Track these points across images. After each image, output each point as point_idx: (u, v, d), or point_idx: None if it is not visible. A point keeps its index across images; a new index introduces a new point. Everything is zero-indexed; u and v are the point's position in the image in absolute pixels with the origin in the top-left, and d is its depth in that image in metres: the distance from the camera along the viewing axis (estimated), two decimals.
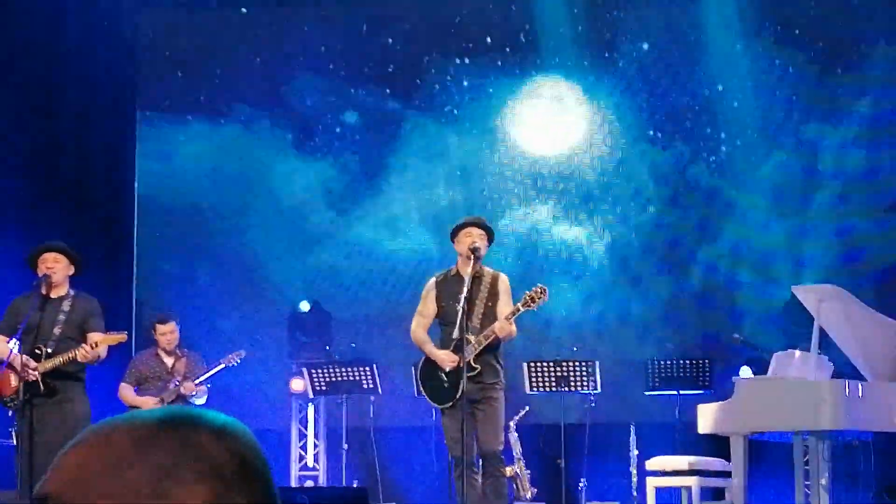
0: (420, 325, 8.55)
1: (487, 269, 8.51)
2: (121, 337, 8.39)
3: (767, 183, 12.69)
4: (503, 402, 8.40)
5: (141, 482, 1.20)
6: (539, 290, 8.20)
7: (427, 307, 8.53)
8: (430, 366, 8.41)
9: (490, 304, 8.31)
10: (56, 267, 8.34)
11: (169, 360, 10.08)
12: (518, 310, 8.19)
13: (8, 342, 8.19)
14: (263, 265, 13.11)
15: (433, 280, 8.65)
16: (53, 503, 1.23)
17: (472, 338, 8.19)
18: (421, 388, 8.65)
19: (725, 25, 12.75)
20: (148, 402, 9.81)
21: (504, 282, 8.43)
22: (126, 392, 10.02)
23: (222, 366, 10.01)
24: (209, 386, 10.10)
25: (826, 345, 8.64)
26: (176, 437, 1.23)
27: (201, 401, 9.97)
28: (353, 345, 12.29)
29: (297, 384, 11.99)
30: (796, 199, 12.66)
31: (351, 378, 11.41)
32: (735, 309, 12.46)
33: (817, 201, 12.60)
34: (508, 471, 9.61)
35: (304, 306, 12.78)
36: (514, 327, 8.28)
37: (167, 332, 10.10)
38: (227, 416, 1.29)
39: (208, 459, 1.22)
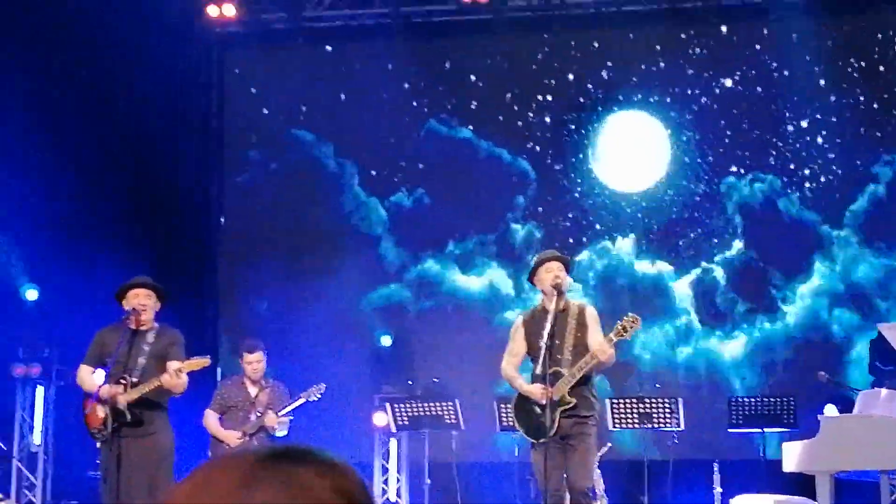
0: (510, 364, 8.52)
1: (573, 301, 8.50)
2: (204, 361, 8.45)
3: (858, 217, 12.57)
4: (595, 438, 8.36)
5: None
6: (631, 319, 8.16)
7: (516, 346, 8.51)
8: (524, 401, 8.39)
9: (580, 334, 8.28)
10: (147, 303, 8.45)
11: (253, 390, 10.03)
12: (611, 340, 8.16)
13: (93, 373, 8.32)
14: (347, 299, 13.22)
15: (520, 319, 8.64)
16: None
17: (564, 371, 8.17)
18: (516, 423, 8.62)
19: (808, 62, 12.68)
20: (231, 437, 9.84)
21: (592, 312, 8.41)
22: (210, 420, 10.02)
23: (302, 400, 10.02)
24: (291, 419, 10.10)
25: None
26: (279, 475, 1.24)
27: (283, 433, 9.92)
28: (436, 379, 12.32)
29: (380, 419, 12.03)
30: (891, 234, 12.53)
31: (433, 413, 11.42)
32: (824, 347, 12.33)
33: None
34: None
35: (386, 341, 12.84)
36: (613, 351, 8.23)
37: (254, 362, 10.03)
38: (333, 453, 1.30)
39: (312, 497, 1.23)
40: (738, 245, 12.81)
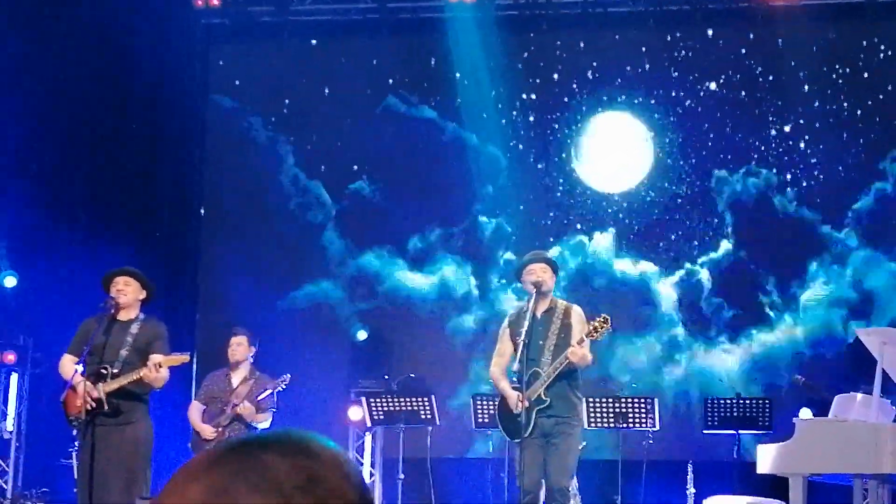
0: (497, 366, 8.59)
1: (560, 302, 8.55)
2: (183, 358, 8.45)
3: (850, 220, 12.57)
4: (577, 438, 8.41)
5: (199, 498, 1.22)
6: (602, 321, 8.22)
7: (503, 346, 8.57)
8: (506, 402, 8.46)
9: (563, 335, 8.32)
10: (126, 290, 8.44)
11: (236, 381, 9.96)
12: (582, 341, 8.20)
13: (77, 362, 8.30)
14: (323, 294, 13.20)
15: (507, 319, 8.73)
16: None
17: (543, 371, 8.23)
18: (497, 423, 8.71)
19: (793, 67, 12.72)
20: (205, 430, 9.77)
21: (577, 312, 8.45)
22: (191, 411, 9.97)
23: (269, 391, 9.95)
24: (274, 410, 10.02)
25: (889, 388, 8.55)
26: (239, 456, 1.24)
27: (264, 425, 9.87)
28: (412, 375, 12.31)
29: (355, 413, 12.02)
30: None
31: (409, 409, 11.41)
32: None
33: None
34: None
35: (361, 335, 12.83)
36: (588, 352, 8.25)
37: (234, 345, 10.00)
38: (316, 438, 1.28)
39: (267, 474, 1.22)
40: (723, 246, 12.78)
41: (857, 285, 12.43)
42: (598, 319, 8.25)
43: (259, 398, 9.82)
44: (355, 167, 13.41)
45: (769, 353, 12.47)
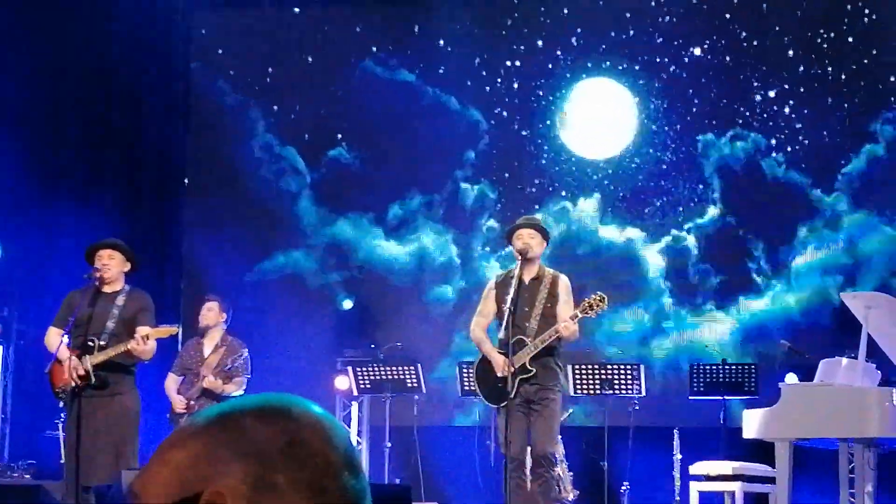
0: (479, 325, 8.57)
1: (548, 270, 8.52)
2: (171, 329, 8.44)
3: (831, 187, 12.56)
4: (560, 404, 8.43)
5: (183, 466, 1.23)
6: (598, 298, 8.21)
7: (487, 307, 8.56)
8: (486, 365, 8.42)
9: (549, 305, 8.31)
10: (110, 263, 8.42)
11: (207, 350, 9.80)
12: (576, 316, 8.20)
13: (63, 334, 8.28)
14: (308, 263, 13.18)
15: (493, 280, 8.70)
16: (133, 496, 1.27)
17: (528, 340, 8.21)
18: (476, 387, 8.66)
19: (778, 31, 12.70)
20: (176, 402, 9.67)
21: (564, 282, 8.43)
22: (168, 383, 9.78)
23: (241, 358, 9.74)
24: (248, 376, 9.84)
25: (874, 352, 8.58)
26: (221, 423, 1.25)
27: (237, 392, 9.59)
28: (399, 343, 12.32)
29: (342, 382, 12.02)
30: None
31: (396, 377, 11.43)
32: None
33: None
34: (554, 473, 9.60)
35: (347, 304, 12.83)
36: (577, 328, 8.27)
37: (204, 311, 9.83)
38: (297, 401, 1.28)
39: (249, 440, 1.22)
40: (708, 213, 12.76)
41: (851, 250, 12.40)
42: (594, 297, 8.23)
43: (230, 368, 9.67)
44: (338, 135, 13.36)
45: (761, 322, 12.42)
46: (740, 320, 12.47)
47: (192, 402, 9.56)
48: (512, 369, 8.08)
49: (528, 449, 8.38)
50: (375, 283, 13.08)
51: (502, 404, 8.25)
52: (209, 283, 12.57)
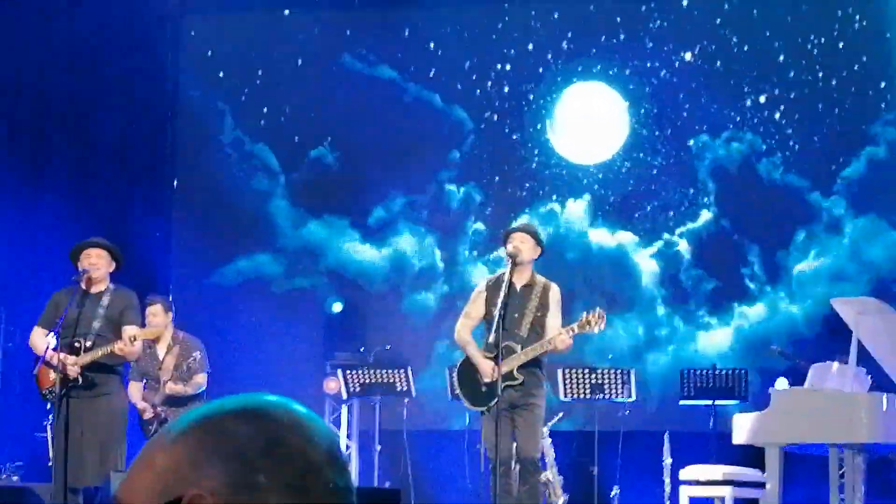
0: (465, 327, 8.52)
1: (540, 278, 8.48)
2: (158, 331, 8.42)
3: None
4: (543, 409, 8.40)
5: (164, 470, 1.23)
6: (597, 316, 8.18)
7: (475, 309, 8.51)
8: (469, 368, 8.39)
9: (539, 314, 8.29)
10: (98, 263, 8.37)
11: (161, 352, 9.61)
12: (573, 330, 8.18)
13: (47, 335, 8.24)
14: (297, 265, 13.16)
15: (484, 282, 8.66)
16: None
17: (517, 346, 8.18)
18: (458, 390, 8.62)
19: (768, 37, 12.70)
20: (143, 411, 9.51)
21: (555, 293, 8.40)
22: (132, 391, 9.44)
23: (196, 356, 9.65)
24: (208, 371, 9.64)
25: (864, 358, 8.57)
26: (202, 426, 1.25)
27: (202, 388, 9.53)
28: (388, 346, 12.29)
29: (332, 385, 11.99)
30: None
31: (385, 381, 11.41)
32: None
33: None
34: (542, 477, 9.58)
35: (337, 307, 12.80)
36: (571, 341, 8.26)
37: (149, 316, 9.36)
38: (277, 401, 1.28)
39: (229, 441, 1.23)
40: (706, 215, 12.72)
41: (855, 256, 12.35)
42: (593, 314, 8.20)
43: (187, 370, 9.52)
44: (328, 137, 13.34)
45: (760, 332, 12.30)
46: (738, 329, 12.41)
47: (158, 409, 9.47)
48: (499, 374, 8.05)
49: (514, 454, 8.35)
50: (361, 286, 13.03)
51: (485, 408, 8.23)
52: (196, 286, 12.56)
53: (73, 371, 8.07)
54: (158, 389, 9.53)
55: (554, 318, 8.28)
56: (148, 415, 9.50)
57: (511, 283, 8.25)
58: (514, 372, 8.16)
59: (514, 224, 8.72)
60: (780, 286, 12.44)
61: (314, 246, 13.13)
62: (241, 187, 13.31)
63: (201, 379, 9.62)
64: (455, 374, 8.70)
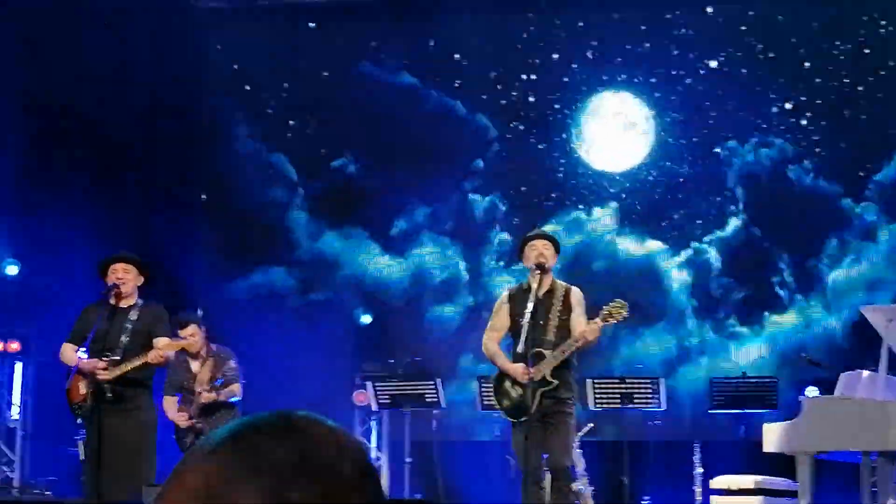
0: (491, 339, 8.48)
1: (560, 283, 8.45)
2: (186, 343, 8.43)
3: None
4: (575, 418, 8.36)
5: (198, 488, 1.23)
6: (618, 305, 8.13)
7: (500, 321, 8.47)
8: (503, 379, 8.36)
9: (564, 317, 8.25)
10: (126, 277, 8.36)
11: (195, 366, 9.69)
12: (597, 324, 8.14)
13: (77, 350, 8.26)
14: (329, 278, 13.19)
15: (506, 293, 8.61)
16: None
17: (547, 352, 8.15)
18: (495, 401, 8.59)
19: (794, 43, 12.67)
20: (179, 419, 9.51)
21: (577, 294, 8.37)
22: (166, 406, 9.56)
23: (231, 366, 9.72)
24: (243, 382, 9.75)
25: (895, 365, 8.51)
26: (234, 443, 1.25)
27: (236, 398, 9.58)
28: (418, 358, 12.30)
29: (361, 397, 12.00)
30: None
31: (415, 392, 11.41)
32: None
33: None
34: (573, 486, 9.55)
35: (366, 319, 12.81)
36: (599, 333, 8.20)
37: (188, 336, 9.49)
38: (308, 416, 1.28)
39: (261, 457, 1.23)
40: (734, 222, 12.66)
41: (892, 263, 12.24)
42: (613, 305, 8.14)
43: (222, 381, 9.55)
44: (349, 149, 13.38)
45: (795, 341, 12.23)
46: (770, 337, 12.33)
47: (194, 421, 9.51)
48: (531, 375, 8.01)
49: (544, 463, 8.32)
50: (383, 299, 13.05)
51: (522, 419, 8.19)
52: (227, 299, 12.59)
53: (104, 375, 8.06)
54: (194, 401, 9.56)
55: (579, 318, 8.24)
56: (183, 424, 9.53)
57: (535, 292, 8.23)
58: (548, 376, 8.12)
59: (531, 233, 8.64)
60: (812, 294, 12.37)
61: (335, 258, 13.16)
62: (265, 200, 13.36)
63: (237, 388, 9.66)
64: (492, 387, 8.64)
